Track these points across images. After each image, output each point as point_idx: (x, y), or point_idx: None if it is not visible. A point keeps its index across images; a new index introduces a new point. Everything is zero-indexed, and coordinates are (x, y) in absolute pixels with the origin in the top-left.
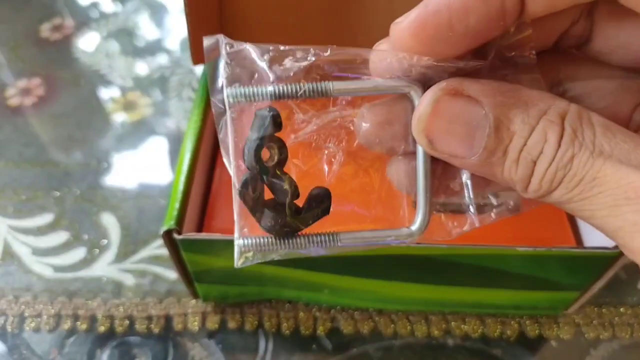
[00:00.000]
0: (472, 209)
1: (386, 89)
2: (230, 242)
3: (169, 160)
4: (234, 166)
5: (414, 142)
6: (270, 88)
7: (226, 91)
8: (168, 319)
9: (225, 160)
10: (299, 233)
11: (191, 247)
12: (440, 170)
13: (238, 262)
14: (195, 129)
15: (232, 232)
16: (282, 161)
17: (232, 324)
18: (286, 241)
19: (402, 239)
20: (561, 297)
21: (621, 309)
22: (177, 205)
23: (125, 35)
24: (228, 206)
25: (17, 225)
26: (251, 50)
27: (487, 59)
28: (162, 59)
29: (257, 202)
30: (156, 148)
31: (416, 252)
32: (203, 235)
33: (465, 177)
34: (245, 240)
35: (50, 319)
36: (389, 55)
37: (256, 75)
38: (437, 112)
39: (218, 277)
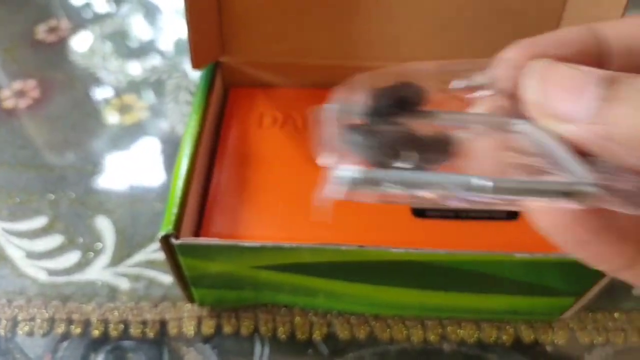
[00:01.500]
0: None
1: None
2: (228, 247)
3: (164, 164)
4: None
5: None
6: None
7: (347, 174)
8: (163, 323)
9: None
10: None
11: (188, 251)
12: None
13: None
14: (193, 133)
15: (229, 237)
16: None
17: (227, 329)
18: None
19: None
20: (557, 303)
21: (615, 315)
22: (174, 210)
23: (120, 37)
24: (225, 211)
25: (11, 228)
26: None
27: None
28: (157, 61)
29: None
30: (151, 151)
31: (413, 258)
32: (201, 240)
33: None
34: (355, 172)
35: (44, 323)
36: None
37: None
38: (546, 77)
39: (214, 282)
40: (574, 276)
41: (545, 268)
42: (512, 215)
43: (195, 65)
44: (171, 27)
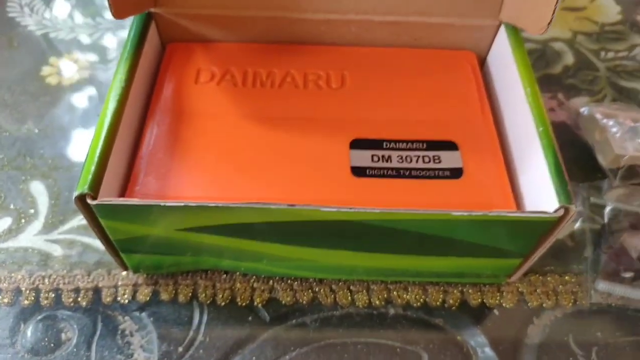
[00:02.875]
0: None
1: None
2: (148, 207)
3: None
4: None
5: None
6: None
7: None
8: (97, 291)
9: None
10: None
11: (109, 214)
12: None
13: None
14: (120, 87)
15: (157, 198)
16: None
17: (164, 296)
18: None
19: None
20: (503, 264)
21: (566, 277)
22: (92, 168)
23: None
24: (155, 170)
25: None
26: None
27: None
28: (100, 19)
29: None
30: (91, 113)
31: (347, 218)
32: (120, 201)
33: None
34: None
35: None
36: None
37: None
38: None
39: (143, 247)
40: (519, 236)
41: (488, 227)
42: (456, 174)
43: (117, 14)
44: None
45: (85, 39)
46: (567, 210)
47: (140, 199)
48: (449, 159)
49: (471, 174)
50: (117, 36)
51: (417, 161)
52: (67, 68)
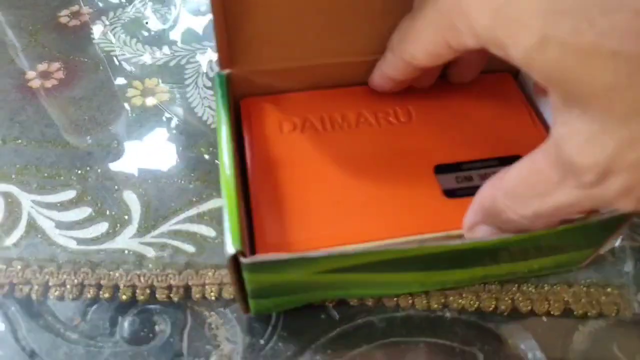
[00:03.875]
0: None
1: None
2: (296, 260)
3: (185, 143)
4: None
5: None
6: None
7: None
8: (187, 288)
9: None
10: None
11: (257, 268)
12: None
13: None
14: (229, 148)
15: (282, 245)
16: None
17: None
18: None
19: None
20: (580, 256)
21: (608, 289)
22: (237, 227)
23: (138, 23)
24: (272, 220)
25: (41, 201)
26: None
27: None
28: (176, 48)
29: None
30: (173, 131)
31: (467, 247)
32: (270, 256)
33: None
34: None
35: (73, 288)
36: None
37: None
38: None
39: (273, 291)
40: (599, 231)
41: (566, 234)
42: None
43: (223, 66)
44: (183, 15)
45: (163, 63)
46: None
47: (273, 248)
48: None
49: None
50: (192, 63)
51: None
52: (149, 91)
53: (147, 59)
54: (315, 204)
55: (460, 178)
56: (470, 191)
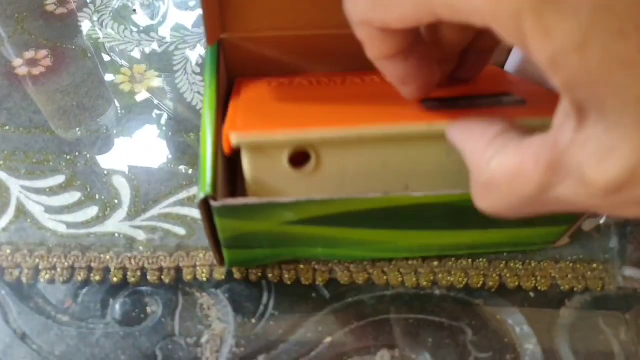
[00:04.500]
0: None
1: None
2: (264, 205)
3: (175, 128)
4: None
5: None
6: None
7: None
8: (178, 270)
9: None
10: None
11: (227, 213)
12: None
13: None
14: (212, 104)
15: (255, 126)
16: None
17: (237, 275)
18: None
19: None
20: (553, 231)
21: (594, 265)
22: (209, 173)
23: (126, 10)
24: (243, 112)
25: (29, 186)
26: None
27: None
28: (164, 34)
29: None
30: (163, 117)
31: (434, 201)
32: (241, 201)
33: None
34: None
35: (64, 271)
36: None
37: None
38: None
39: (251, 242)
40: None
41: None
42: (521, 103)
43: (211, 42)
44: (174, 2)
45: (151, 50)
46: None
47: (246, 128)
48: (509, 100)
49: (534, 102)
50: (180, 50)
51: (482, 100)
52: (138, 77)
53: (135, 46)
54: (291, 102)
55: (446, 101)
56: (453, 104)
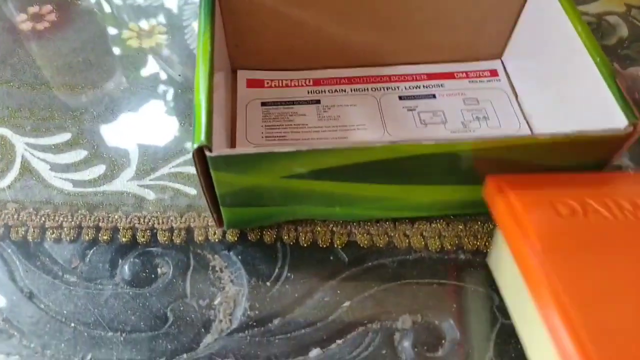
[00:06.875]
0: None
1: None
2: (267, 156)
3: (184, 84)
4: None
5: None
6: None
7: None
8: (189, 231)
9: None
10: None
11: (224, 165)
12: None
13: None
14: (207, 50)
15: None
16: None
17: (251, 237)
18: None
19: None
20: None
21: None
22: (203, 122)
23: None
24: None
25: (35, 143)
26: None
27: None
28: None
29: None
30: (172, 72)
31: (444, 150)
32: (239, 150)
33: None
34: None
35: (71, 231)
36: None
37: None
38: None
39: (243, 199)
40: (591, 154)
41: (569, 146)
42: None
43: None
44: None
45: (159, 4)
46: (635, 127)
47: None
48: None
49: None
50: (190, 4)
51: None
52: (145, 33)
53: (142, 0)
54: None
55: None
56: None
